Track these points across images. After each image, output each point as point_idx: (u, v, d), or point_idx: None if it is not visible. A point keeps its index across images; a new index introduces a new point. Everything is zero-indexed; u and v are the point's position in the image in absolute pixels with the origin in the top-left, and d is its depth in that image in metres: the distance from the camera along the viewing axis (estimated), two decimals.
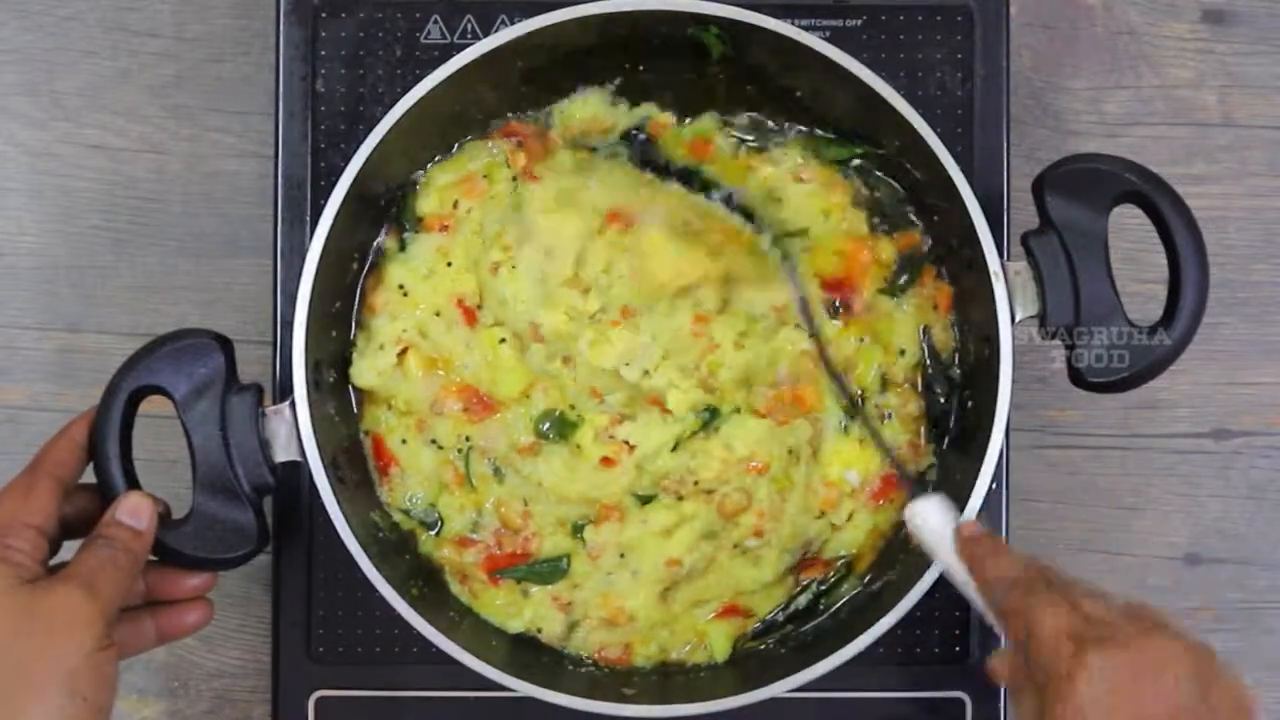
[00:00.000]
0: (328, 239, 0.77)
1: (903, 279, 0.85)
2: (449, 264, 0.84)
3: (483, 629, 0.84)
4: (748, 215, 0.85)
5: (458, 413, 0.84)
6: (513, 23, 0.80)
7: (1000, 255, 0.77)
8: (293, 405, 0.76)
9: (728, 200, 0.85)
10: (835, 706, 0.86)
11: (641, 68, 0.84)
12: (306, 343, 0.77)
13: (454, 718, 0.86)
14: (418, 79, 0.78)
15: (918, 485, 0.83)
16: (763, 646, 0.85)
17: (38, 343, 0.94)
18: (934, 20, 0.87)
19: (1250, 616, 0.94)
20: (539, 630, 0.85)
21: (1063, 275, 0.76)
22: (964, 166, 0.78)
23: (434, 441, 0.84)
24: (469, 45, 0.78)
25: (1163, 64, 0.95)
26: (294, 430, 0.76)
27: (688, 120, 0.86)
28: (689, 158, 0.86)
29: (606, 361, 0.82)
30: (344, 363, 0.84)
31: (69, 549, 0.73)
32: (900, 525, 0.84)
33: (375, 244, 0.85)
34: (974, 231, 0.77)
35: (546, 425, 0.83)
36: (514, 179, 0.85)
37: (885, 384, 0.85)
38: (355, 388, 0.85)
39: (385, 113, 0.77)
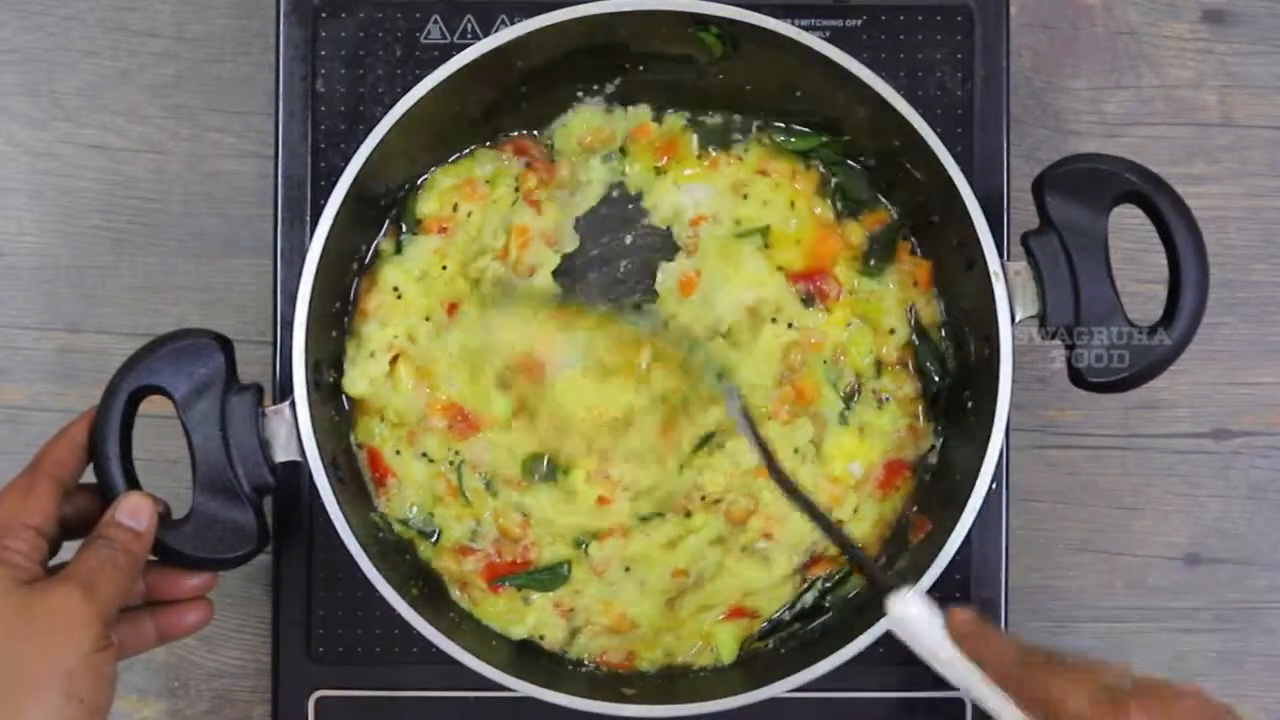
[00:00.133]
0: (328, 239, 0.77)
1: (876, 258, 0.85)
2: (444, 267, 0.84)
3: (484, 631, 0.84)
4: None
5: (443, 430, 0.84)
6: (513, 23, 0.80)
7: (1000, 255, 0.77)
8: (293, 405, 0.76)
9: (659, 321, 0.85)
10: (835, 706, 0.86)
11: (641, 68, 0.84)
12: (306, 343, 0.77)
13: (454, 718, 0.86)
14: (418, 79, 0.78)
15: (895, 576, 0.80)
16: (768, 646, 0.85)
17: (38, 343, 0.94)
18: (934, 20, 0.87)
19: (1250, 616, 0.94)
20: (541, 637, 0.84)
21: (1063, 275, 0.76)
22: (964, 166, 0.78)
23: (425, 455, 0.84)
24: (469, 45, 0.78)
25: (1163, 64, 0.95)
26: (294, 430, 0.76)
27: (669, 111, 0.86)
28: (657, 159, 0.86)
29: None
30: (344, 363, 0.84)
31: (68, 549, 0.73)
32: (904, 514, 0.84)
33: (373, 245, 0.85)
34: (974, 231, 0.77)
35: (534, 470, 0.83)
36: (515, 189, 0.85)
37: (880, 368, 0.85)
38: (348, 397, 0.84)
39: (385, 113, 0.77)
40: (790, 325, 0.84)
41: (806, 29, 0.78)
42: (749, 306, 0.84)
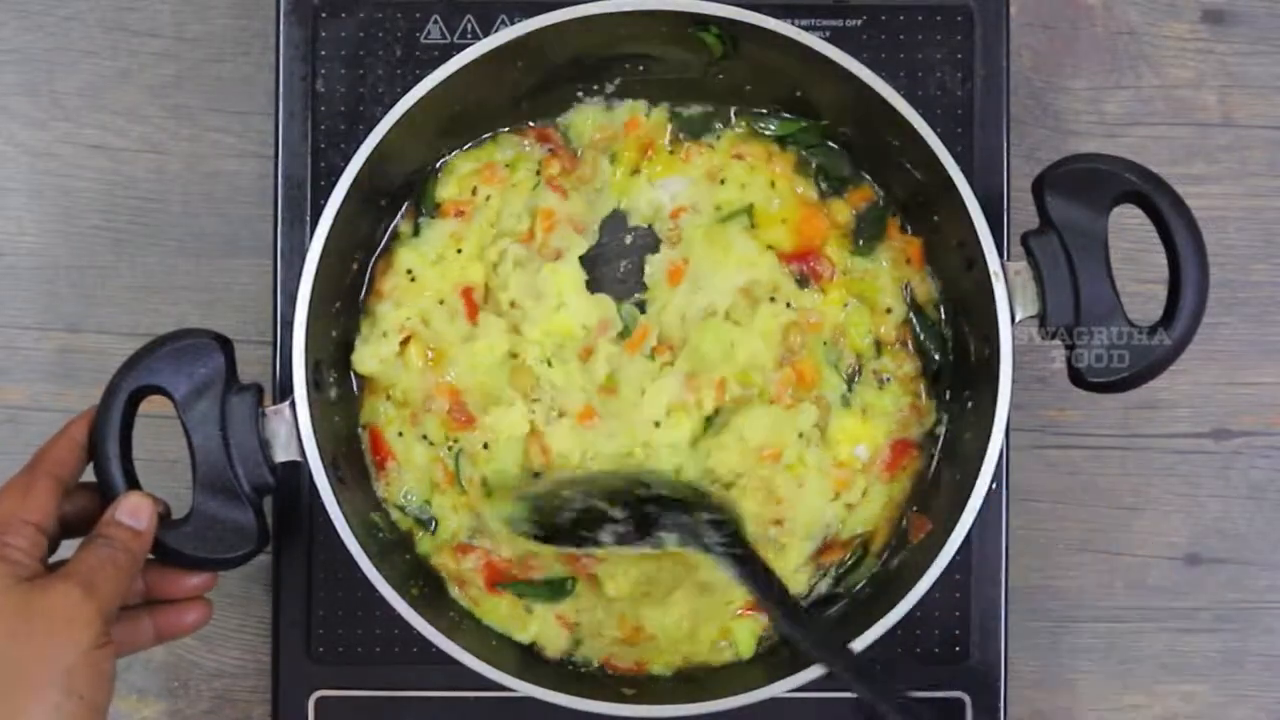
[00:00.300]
0: (328, 239, 0.77)
1: (866, 236, 0.85)
2: (459, 250, 0.84)
3: (484, 630, 0.84)
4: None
5: (444, 414, 0.84)
6: (513, 23, 0.80)
7: (1000, 255, 0.77)
8: (293, 405, 0.76)
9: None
10: (835, 706, 0.86)
11: (641, 68, 0.84)
12: (306, 343, 0.77)
13: (454, 718, 0.86)
14: (418, 79, 0.78)
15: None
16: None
17: (38, 343, 0.94)
18: (934, 20, 0.87)
19: (1250, 616, 0.94)
20: (543, 647, 0.84)
21: (1063, 275, 0.76)
22: (964, 166, 0.78)
23: (425, 437, 0.84)
24: (469, 45, 0.78)
25: (1163, 64, 0.95)
26: (294, 430, 0.76)
27: (656, 105, 0.86)
28: (640, 159, 0.86)
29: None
30: (345, 362, 0.84)
31: (67, 548, 0.73)
32: (913, 496, 0.84)
33: (391, 227, 0.85)
34: (974, 231, 0.77)
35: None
36: (536, 174, 0.85)
37: (879, 348, 0.85)
38: (357, 375, 0.85)
39: (385, 113, 0.77)
40: (788, 305, 0.84)
41: (806, 29, 0.78)
42: (742, 288, 0.84)
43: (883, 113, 0.78)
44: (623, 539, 0.79)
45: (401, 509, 0.85)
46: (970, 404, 0.82)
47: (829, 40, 0.78)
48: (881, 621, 0.76)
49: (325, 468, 0.76)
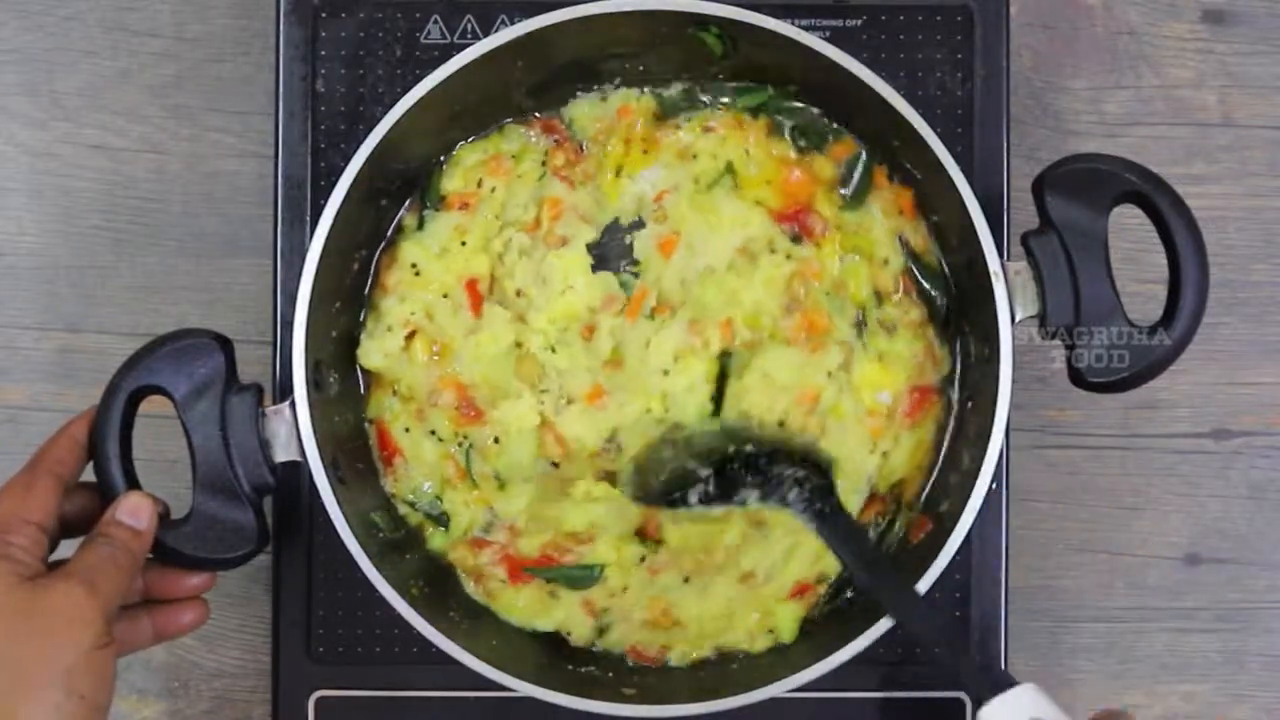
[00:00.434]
0: (328, 239, 0.77)
1: (855, 189, 0.85)
2: (463, 243, 0.84)
3: (484, 629, 0.84)
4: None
5: (452, 409, 0.84)
6: (513, 23, 0.80)
7: (1000, 255, 0.77)
8: (293, 405, 0.76)
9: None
10: (835, 706, 0.86)
11: (641, 68, 0.84)
12: (306, 343, 0.77)
13: (454, 718, 0.86)
14: (418, 79, 0.78)
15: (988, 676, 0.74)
16: (831, 608, 0.84)
17: (38, 343, 0.94)
18: (934, 20, 0.87)
19: (1250, 616, 0.94)
20: (568, 633, 0.84)
21: (1063, 275, 0.76)
22: (964, 166, 0.78)
23: (434, 433, 0.84)
24: (469, 45, 0.78)
25: (1163, 64, 0.95)
26: (294, 430, 0.76)
27: (645, 89, 0.86)
28: (624, 156, 0.86)
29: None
30: (349, 358, 0.84)
31: (66, 547, 0.73)
32: (940, 442, 0.84)
33: (395, 220, 0.85)
34: (974, 231, 0.77)
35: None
36: (542, 164, 0.85)
37: (880, 298, 0.84)
38: (363, 371, 0.85)
39: (385, 113, 0.77)
40: (788, 257, 0.84)
41: (806, 29, 0.78)
42: (739, 248, 0.84)
43: (883, 113, 0.78)
44: (708, 500, 0.81)
45: (411, 504, 0.85)
46: (970, 404, 0.82)
47: (829, 40, 0.78)
48: (881, 621, 0.76)
49: (325, 468, 0.76)
